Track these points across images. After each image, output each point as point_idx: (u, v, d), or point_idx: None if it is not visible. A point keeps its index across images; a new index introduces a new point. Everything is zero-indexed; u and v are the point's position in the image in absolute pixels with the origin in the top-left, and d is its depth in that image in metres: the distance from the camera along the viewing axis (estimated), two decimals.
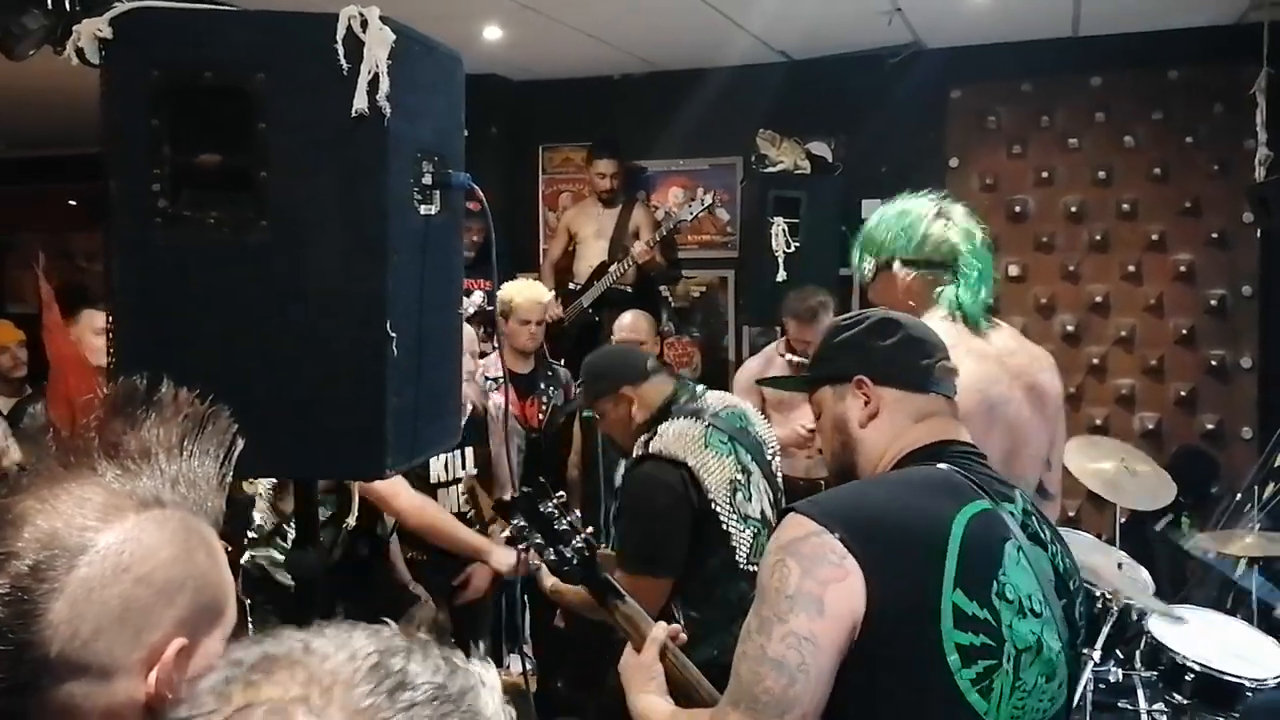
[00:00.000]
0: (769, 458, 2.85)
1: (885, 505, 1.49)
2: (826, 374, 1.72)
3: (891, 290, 2.34)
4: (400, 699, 0.66)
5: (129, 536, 0.89)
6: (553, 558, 2.01)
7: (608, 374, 2.90)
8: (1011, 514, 1.53)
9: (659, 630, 1.83)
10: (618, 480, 4.06)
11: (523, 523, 2.04)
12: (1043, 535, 1.57)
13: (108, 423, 0.93)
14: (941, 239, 2.32)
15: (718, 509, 2.63)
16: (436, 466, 3.50)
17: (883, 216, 2.40)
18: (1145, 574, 3.72)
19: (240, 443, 1.01)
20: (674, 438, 2.68)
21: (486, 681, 0.72)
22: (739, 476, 2.70)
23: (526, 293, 4.44)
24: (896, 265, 2.33)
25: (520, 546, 2.05)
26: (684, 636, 1.87)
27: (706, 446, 2.67)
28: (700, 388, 2.92)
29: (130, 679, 0.86)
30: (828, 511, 1.43)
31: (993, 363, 2.26)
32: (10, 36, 3.66)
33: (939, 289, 2.30)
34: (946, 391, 1.66)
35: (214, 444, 0.97)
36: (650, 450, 2.68)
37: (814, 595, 1.37)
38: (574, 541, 2.00)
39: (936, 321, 2.23)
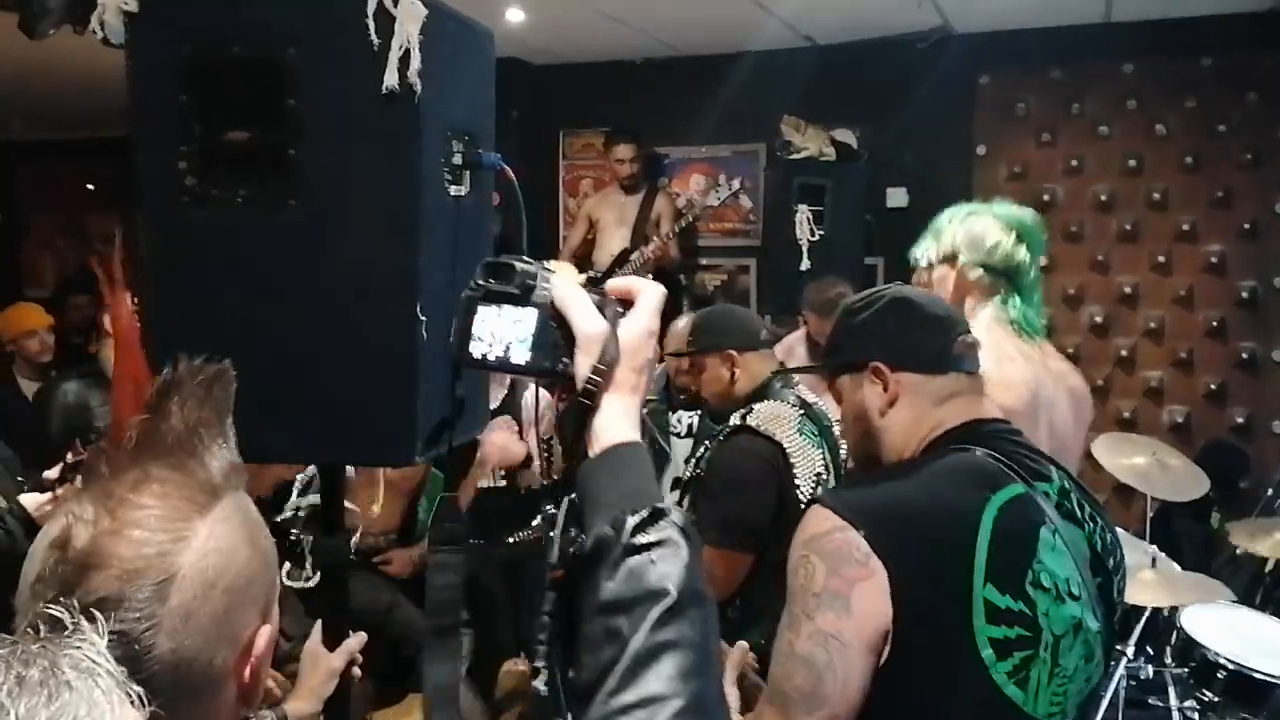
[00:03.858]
0: (842, 459, 2.80)
1: (911, 499, 1.43)
2: (841, 361, 1.66)
3: (945, 285, 2.30)
4: None
5: (207, 550, 0.87)
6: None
7: (721, 331, 2.87)
8: (1047, 494, 1.48)
9: (739, 652, 1.74)
10: (666, 482, 4.03)
11: (553, 510, 2.00)
12: (1079, 514, 1.52)
13: (149, 421, 0.90)
14: (1012, 250, 2.29)
15: (800, 497, 2.59)
16: None
17: (958, 215, 2.36)
18: (1179, 569, 3.67)
19: (234, 384, 0.97)
20: (770, 416, 2.66)
21: (80, 664, 0.64)
22: (823, 471, 2.66)
23: None
24: (962, 259, 2.28)
25: (551, 534, 2.01)
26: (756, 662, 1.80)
27: (800, 433, 2.65)
28: (795, 377, 2.89)
29: (230, 679, 0.87)
30: (852, 506, 1.39)
31: (1039, 366, 2.24)
32: (30, 15, 3.64)
33: (999, 295, 2.27)
34: (969, 368, 1.58)
35: (223, 399, 0.94)
36: (746, 424, 2.66)
37: (840, 593, 1.34)
38: None
39: (987, 319, 2.21)
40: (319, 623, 1.85)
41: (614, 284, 1.07)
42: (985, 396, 1.60)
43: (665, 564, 0.88)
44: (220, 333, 1.62)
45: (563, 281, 1.03)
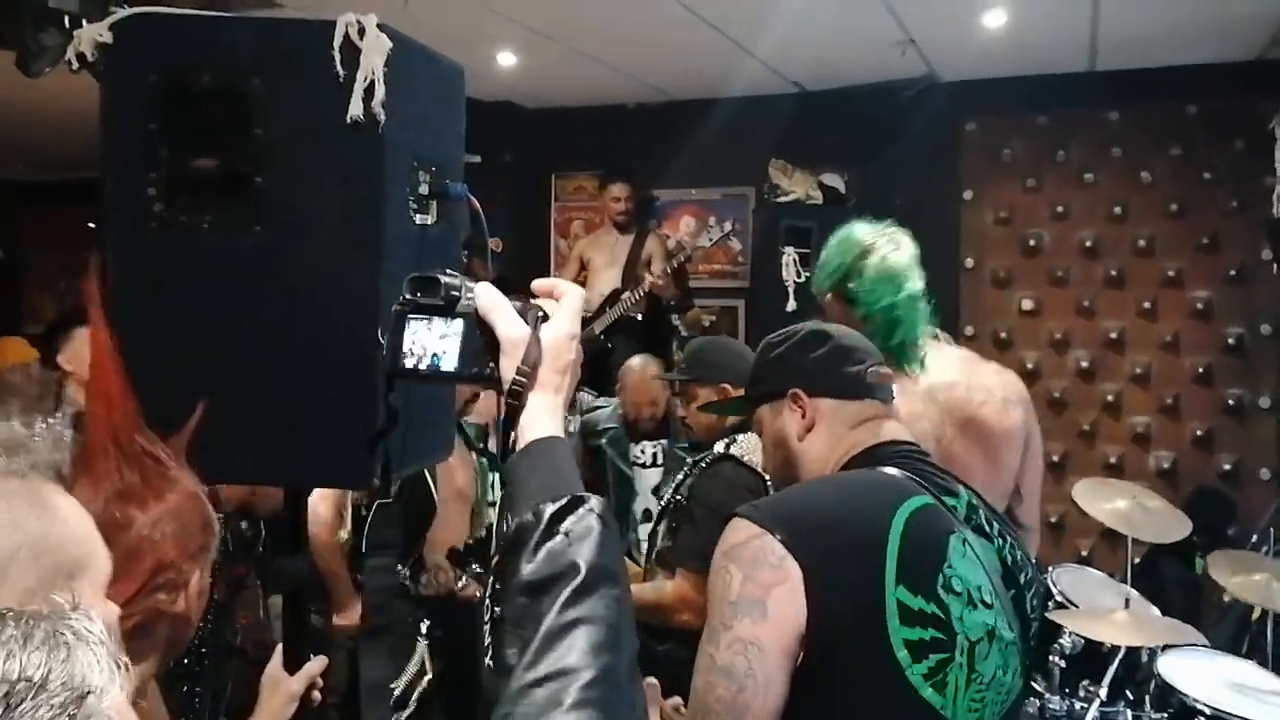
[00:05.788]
0: None
1: (825, 505, 1.51)
2: (762, 393, 1.74)
3: (834, 318, 2.32)
4: None
5: None
6: None
7: (716, 364, 2.94)
8: (954, 508, 1.54)
9: (650, 690, 1.67)
10: (636, 514, 4.02)
11: (479, 570, 2.03)
12: (988, 529, 1.58)
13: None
14: (875, 277, 2.31)
15: None
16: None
17: (832, 243, 2.39)
18: (1155, 611, 3.65)
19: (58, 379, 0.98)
20: (754, 446, 2.69)
21: (80, 633, 0.68)
22: None
23: None
24: (829, 298, 2.33)
25: (477, 594, 2.04)
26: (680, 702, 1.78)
27: None
28: None
29: None
30: (766, 514, 1.45)
31: (918, 399, 2.23)
32: (28, 54, 3.69)
33: (869, 327, 2.25)
34: (882, 396, 1.68)
35: (35, 393, 0.94)
36: (730, 453, 2.70)
37: (756, 599, 1.37)
38: None
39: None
40: (279, 646, 1.85)
41: (538, 284, 1.12)
42: (898, 423, 1.68)
43: (580, 546, 0.93)
44: (184, 354, 1.66)
45: (486, 291, 1.08)
